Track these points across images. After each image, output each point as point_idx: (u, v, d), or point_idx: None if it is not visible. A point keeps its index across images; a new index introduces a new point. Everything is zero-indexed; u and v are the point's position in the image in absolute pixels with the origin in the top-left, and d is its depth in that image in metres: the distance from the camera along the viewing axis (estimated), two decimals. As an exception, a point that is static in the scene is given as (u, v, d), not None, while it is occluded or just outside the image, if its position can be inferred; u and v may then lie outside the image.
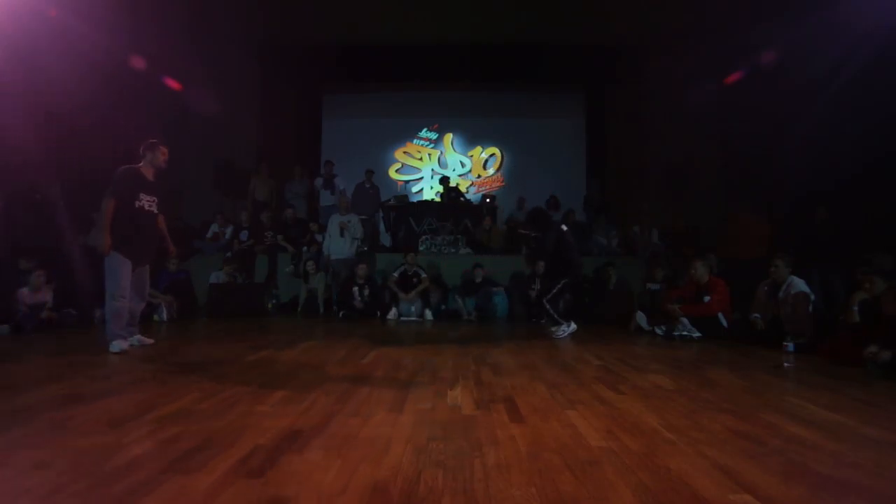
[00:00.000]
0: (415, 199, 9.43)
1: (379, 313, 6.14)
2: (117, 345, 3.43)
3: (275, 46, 9.35)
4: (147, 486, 1.30)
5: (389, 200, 8.48)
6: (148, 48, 6.92)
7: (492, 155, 10.25)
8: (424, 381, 2.62)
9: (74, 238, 5.75)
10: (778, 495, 1.30)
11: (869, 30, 5.31)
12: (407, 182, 10.22)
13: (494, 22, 8.73)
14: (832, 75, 5.73)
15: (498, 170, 10.23)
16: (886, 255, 4.78)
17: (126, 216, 3.53)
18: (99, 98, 5.98)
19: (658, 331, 4.81)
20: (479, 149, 10.27)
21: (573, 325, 4.72)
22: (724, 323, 4.63)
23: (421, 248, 7.31)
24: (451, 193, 8.47)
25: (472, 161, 10.28)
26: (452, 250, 7.44)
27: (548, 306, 4.85)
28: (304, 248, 7.16)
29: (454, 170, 10.17)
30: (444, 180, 8.89)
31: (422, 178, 10.26)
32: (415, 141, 10.32)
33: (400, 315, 6.11)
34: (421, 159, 10.31)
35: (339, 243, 6.65)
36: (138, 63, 6.86)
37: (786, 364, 3.24)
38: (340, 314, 6.15)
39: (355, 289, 6.22)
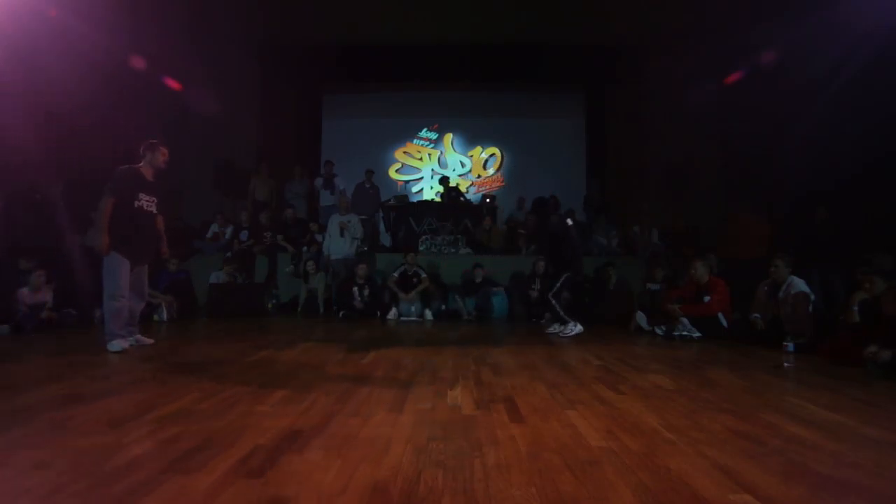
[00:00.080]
0: (415, 199, 9.43)
1: (379, 313, 6.14)
2: (116, 344, 3.43)
3: (275, 46, 9.35)
4: (147, 486, 1.30)
5: (389, 200, 8.49)
6: (148, 48, 6.92)
7: (492, 155, 10.25)
8: (424, 381, 2.62)
9: (74, 238, 5.75)
10: (778, 495, 1.30)
11: (869, 30, 5.31)
12: (407, 182, 10.23)
13: (494, 22, 8.73)
14: (832, 75, 5.73)
15: (498, 170, 10.23)
16: (886, 255, 4.77)
17: (125, 216, 3.53)
18: (99, 98, 5.98)
19: (658, 331, 4.81)
20: (479, 149, 10.28)
21: (580, 327, 4.68)
22: (724, 323, 4.62)
23: (421, 248, 7.31)
24: (451, 193, 8.47)
25: (472, 161, 10.28)
26: (452, 250, 7.43)
27: (553, 301, 4.79)
28: (304, 248, 7.16)
29: (454, 170, 10.17)
30: (444, 180, 8.89)
31: (422, 178, 10.26)
32: (415, 141, 10.32)
33: (400, 315, 6.11)
34: (421, 159, 10.31)
35: (339, 243, 6.65)
36: (138, 63, 6.85)
37: (786, 364, 3.24)
38: (340, 314, 6.15)
39: (355, 289, 6.22)
